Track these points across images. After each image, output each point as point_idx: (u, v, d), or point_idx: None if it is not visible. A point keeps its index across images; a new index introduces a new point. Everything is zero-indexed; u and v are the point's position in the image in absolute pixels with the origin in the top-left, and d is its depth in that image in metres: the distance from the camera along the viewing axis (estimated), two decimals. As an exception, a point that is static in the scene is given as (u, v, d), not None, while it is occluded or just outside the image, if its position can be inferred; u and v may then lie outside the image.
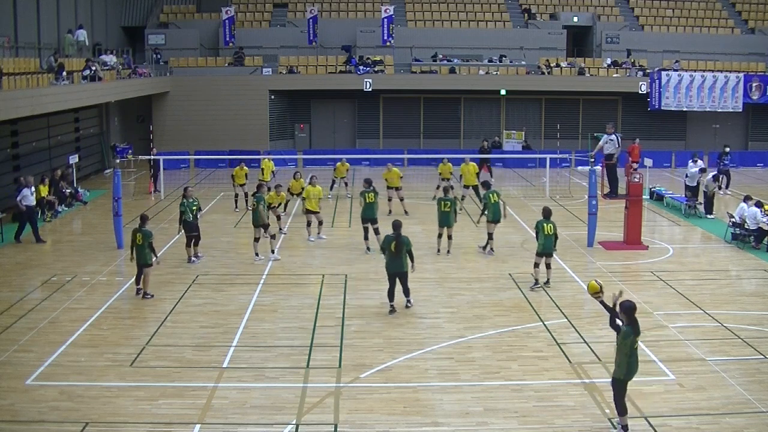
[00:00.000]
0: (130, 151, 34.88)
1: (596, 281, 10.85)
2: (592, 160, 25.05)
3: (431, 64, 39.50)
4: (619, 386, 10.11)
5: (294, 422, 10.51)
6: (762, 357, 12.73)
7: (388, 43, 39.92)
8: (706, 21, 43.32)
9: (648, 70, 39.01)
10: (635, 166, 29.11)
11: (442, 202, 19.24)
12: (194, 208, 19.02)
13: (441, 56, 39.88)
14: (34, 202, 21.57)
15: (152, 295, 15.95)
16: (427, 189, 27.30)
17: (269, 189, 21.40)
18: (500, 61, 39.79)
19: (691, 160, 26.14)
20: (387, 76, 38.51)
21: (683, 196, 25.63)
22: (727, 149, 28.77)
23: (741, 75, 37.09)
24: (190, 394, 11.35)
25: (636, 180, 20.25)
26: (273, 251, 19.26)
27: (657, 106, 37.07)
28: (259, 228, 18.97)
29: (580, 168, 34.36)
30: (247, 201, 25.43)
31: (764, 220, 19.99)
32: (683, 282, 17.17)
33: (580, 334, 13.76)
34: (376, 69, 38.45)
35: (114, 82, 30.95)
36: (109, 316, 14.88)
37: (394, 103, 39.77)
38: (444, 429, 10.39)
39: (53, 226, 23.21)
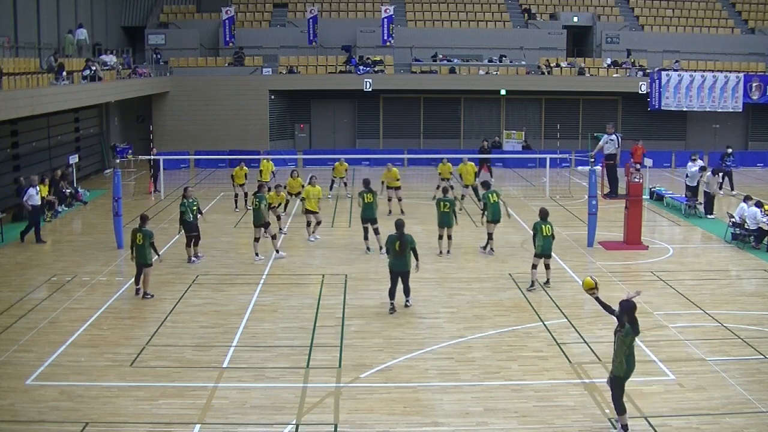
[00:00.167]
0: (130, 151, 34.88)
1: (591, 277, 10.88)
2: (592, 160, 25.05)
3: (431, 64, 39.50)
4: (619, 384, 10.13)
5: (294, 422, 10.51)
6: (762, 357, 12.73)
7: (388, 43, 39.92)
8: (706, 21, 43.33)
9: (648, 70, 39.02)
10: (638, 166, 29.13)
11: (442, 203, 19.24)
12: (194, 208, 19.02)
13: (441, 56, 39.88)
14: (40, 202, 21.60)
15: (152, 295, 15.96)
16: (427, 189, 27.30)
17: (269, 189, 21.40)
18: (500, 61, 39.80)
19: (690, 160, 26.14)
20: (387, 76, 38.51)
21: (683, 196, 25.63)
22: (730, 150, 28.73)
23: (741, 75, 37.08)
24: (190, 394, 11.35)
25: (636, 180, 20.24)
26: (277, 250, 19.27)
27: (657, 106, 37.07)
28: (259, 228, 18.97)
29: (580, 168, 34.36)
30: (246, 201, 25.45)
31: (764, 220, 19.99)
32: (683, 282, 17.17)
33: (580, 334, 13.76)
34: (376, 69, 38.46)
35: (114, 82, 30.96)
36: (109, 316, 14.89)
37: (394, 103, 39.77)
38: (444, 429, 10.39)
39: (53, 226, 23.21)
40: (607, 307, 10.70)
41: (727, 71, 38.47)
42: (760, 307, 15.53)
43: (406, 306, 15.20)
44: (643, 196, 21.35)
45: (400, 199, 24.23)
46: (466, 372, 12.21)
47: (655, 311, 15.02)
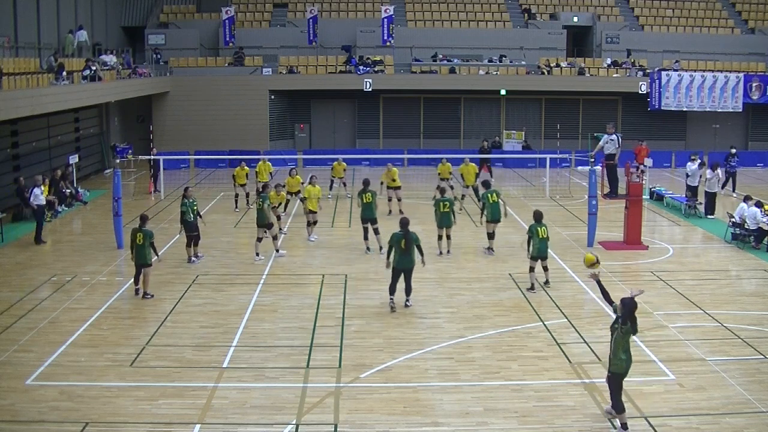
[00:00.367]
0: (130, 151, 34.88)
1: (592, 253, 10.88)
2: (592, 160, 25.05)
3: (431, 64, 39.50)
4: (618, 381, 10.16)
5: (294, 422, 10.51)
6: (762, 357, 12.74)
7: (388, 43, 39.92)
8: (706, 21, 43.32)
9: (648, 70, 39.01)
10: (642, 167, 29.11)
11: (441, 203, 19.22)
12: (195, 207, 19.04)
13: (441, 56, 39.87)
14: (45, 202, 21.60)
15: (152, 295, 15.96)
16: (427, 189, 27.29)
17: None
18: (500, 61, 39.79)
19: (689, 160, 26.11)
20: (387, 76, 38.51)
21: (683, 196, 25.63)
22: (734, 150, 28.69)
23: (741, 75, 37.07)
24: (190, 394, 11.35)
25: (637, 180, 20.24)
26: (277, 250, 19.28)
27: (657, 106, 37.07)
28: (262, 228, 18.99)
29: (580, 168, 34.37)
30: (248, 200, 25.46)
31: (764, 220, 19.99)
32: (683, 282, 17.17)
33: (580, 334, 13.76)
34: (376, 69, 38.46)
35: (114, 82, 30.96)
36: (109, 316, 14.89)
37: (394, 103, 39.77)
38: (444, 429, 10.39)
39: (53, 226, 23.20)
40: (606, 295, 10.78)
41: (727, 71, 38.46)
42: (760, 307, 15.54)
43: (406, 306, 15.20)
44: (643, 196, 21.35)
45: (399, 200, 24.23)
46: (466, 372, 12.21)
47: (655, 311, 15.02)
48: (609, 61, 40.16)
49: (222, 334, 13.88)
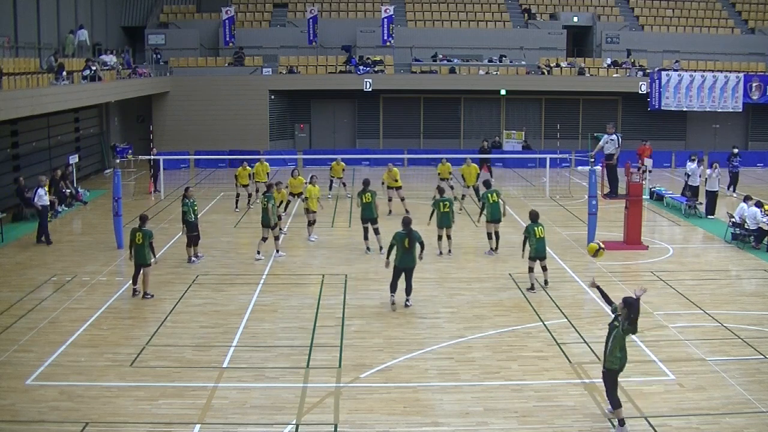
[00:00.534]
0: (130, 151, 34.89)
1: (595, 242, 10.97)
2: (592, 160, 25.05)
3: (431, 64, 39.50)
4: (614, 377, 10.22)
5: (294, 422, 10.51)
6: (762, 357, 12.73)
7: (388, 43, 39.91)
8: (706, 21, 43.32)
9: (648, 70, 39.01)
10: (647, 168, 29.12)
11: (441, 203, 19.20)
12: (195, 207, 19.05)
13: (441, 56, 39.87)
14: (48, 202, 21.59)
15: (152, 295, 15.96)
16: (427, 189, 27.27)
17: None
18: (500, 61, 39.79)
19: (689, 160, 26.11)
20: (387, 76, 38.51)
21: (683, 196, 25.64)
22: (736, 150, 28.68)
23: (741, 75, 37.07)
24: (190, 394, 11.35)
25: (636, 180, 20.24)
26: (277, 250, 19.30)
27: (657, 106, 37.07)
28: (267, 228, 19.01)
29: (580, 168, 34.37)
30: (249, 201, 25.46)
31: (764, 220, 19.99)
32: (683, 282, 17.17)
33: (580, 334, 13.76)
34: (376, 69, 38.45)
35: (114, 82, 30.96)
36: (109, 316, 14.89)
37: (394, 103, 39.77)
38: (444, 429, 10.40)
39: (53, 226, 23.14)
40: (606, 297, 10.86)
41: (727, 71, 38.46)
42: (760, 307, 15.54)
43: (406, 306, 15.21)
44: (643, 196, 21.34)
45: (402, 199, 24.22)
46: (466, 372, 12.21)
47: (655, 311, 15.02)
48: (609, 61, 40.16)
49: (222, 334, 13.88)
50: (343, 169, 27.25)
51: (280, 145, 38.49)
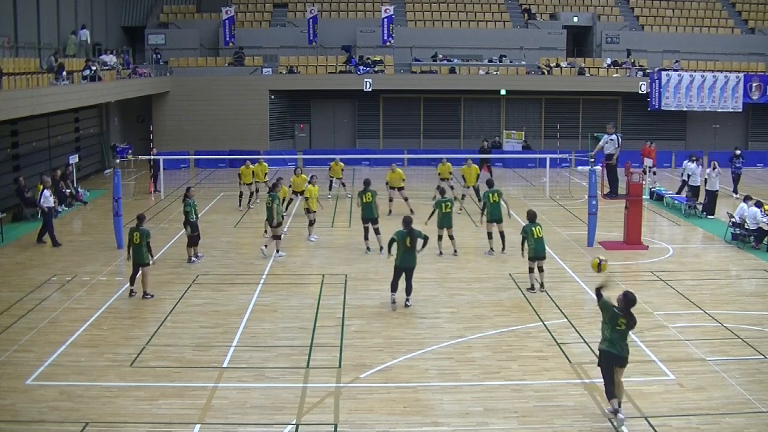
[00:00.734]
0: (130, 151, 34.89)
1: (597, 257, 11.17)
2: (592, 160, 25.05)
3: (431, 64, 39.50)
4: (615, 366, 10.34)
5: (294, 422, 10.51)
6: (762, 357, 12.73)
7: (388, 43, 39.91)
8: (706, 21, 43.33)
9: (648, 70, 39.01)
10: (647, 168, 29.07)
11: (443, 204, 19.19)
12: (196, 207, 19.08)
13: (441, 56, 39.87)
14: (53, 203, 21.56)
15: (152, 295, 15.96)
16: (427, 189, 27.28)
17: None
18: (500, 61, 39.79)
19: (688, 161, 26.05)
20: (387, 76, 38.51)
21: (683, 196, 25.63)
22: (739, 152, 28.65)
23: (741, 75, 37.06)
24: (190, 394, 11.35)
25: (637, 180, 20.24)
26: (277, 250, 19.32)
27: (657, 106, 37.06)
28: (276, 227, 19.04)
29: (580, 168, 34.36)
30: (250, 201, 25.47)
31: (764, 220, 19.99)
32: (683, 282, 17.17)
33: (580, 334, 13.76)
34: (376, 69, 38.46)
35: (114, 82, 30.96)
36: (109, 316, 14.89)
37: (394, 103, 39.77)
38: (444, 429, 10.39)
39: (53, 226, 23.17)
40: (598, 294, 10.99)
41: (727, 71, 38.46)
42: (760, 307, 15.54)
43: (406, 306, 15.21)
44: (643, 196, 21.34)
45: (406, 199, 24.23)
46: (466, 372, 12.21)
47: (655, 311, 15.02)
48: (609, 61, 40.16)
49: (222, 334, 13.88)
50: (342, 169, 27.25)
51: (280, 145, 38.48)
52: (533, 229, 16.18)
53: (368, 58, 39.02)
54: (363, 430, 10.35)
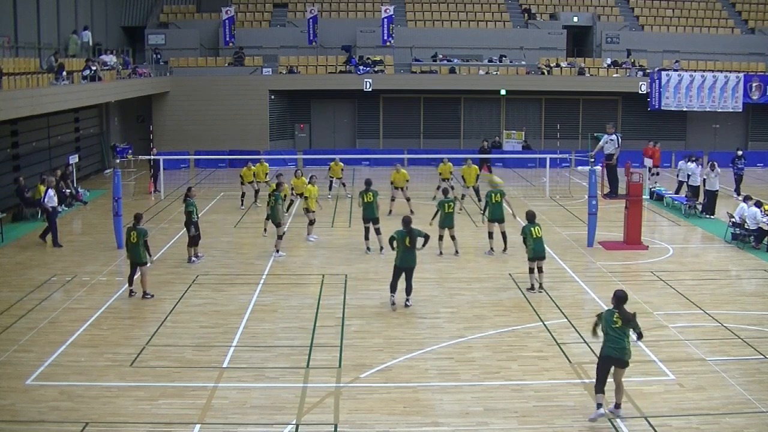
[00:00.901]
0: (130, 151, 34.89)
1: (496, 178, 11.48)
2: (592, 160, 25.05)
3: (431, 64, 39.50)
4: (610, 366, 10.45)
5: (294, 422, 10.51)
6: (762, 357, 12.73)
7: (388, 43, 39.91)
8: (706, 21, 43.33)
9: (648, 70, 39.01)
10: (656, 170, 29.04)
11: (446, 204, 19.16)
12: (197, 207, 19.11)
13: (441, 56, 39.87)
14: (57, 203, 21.55)
15: (152, 295, 15.95)
16: (427, 189, 27.30)
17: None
18: (500, 61, 39.79)
19: (688, 161, 26.01)
20: (387, 76, 38.51)
21: (683, 196, 25.63)
22: (740, 152, 28.62)
23: (741, 75, 37.05)
24: (190, 394, 11.35)
25: (638, 181, 20.25)
26: (277, 250, 19.33)
27: (657, 106, 37.06)
28: (278, 227, 19.04)
29: (580, 168, 34.36)
30: (256, 198, 25.48)
31: (764, 220, 19.99)
32: (683, 282, 17.17)
33: (580, 334, 13.75)
34: (376, 69, 38.45)
35: (114, 82, 30.95)
36: (109, 316, 14.89)
37: (394, 103, 39.76)
38: (444, 429, 10.39)
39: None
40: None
41: (727, 71, 38.45)
42: (760, 307, 15.54)
43: (406, 306, 15.21)
44: (643, 196, 21.34)
45: (408, 199, 24.24)
46: (466, 372, 12.21)
47: (655, 311, 15.02)
48: (609, 61, 40.16)
49: (222, 334, 13.88)
50: (342, 169, 27.26)
51: (280, 145, 38.48)
52: (532, 229, 16.17)
53: (368, 58, 39.02)
54: (363, 430, 10.35)
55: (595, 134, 30.45)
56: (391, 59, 39.44)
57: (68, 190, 25.94)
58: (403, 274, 15.12)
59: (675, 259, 19.40)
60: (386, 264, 16.63)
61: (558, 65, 39.60)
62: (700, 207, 24.40)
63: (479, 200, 24.88)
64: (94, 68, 28.42)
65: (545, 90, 39.20)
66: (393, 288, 15.20)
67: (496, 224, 19.45)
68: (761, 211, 20.18)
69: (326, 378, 11.95)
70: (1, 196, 24.38)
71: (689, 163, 25.79)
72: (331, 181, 27.29)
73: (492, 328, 14.17)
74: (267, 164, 26.38)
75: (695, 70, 38.45)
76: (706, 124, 39.42)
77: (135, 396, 11.29)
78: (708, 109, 37.26)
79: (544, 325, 14.33)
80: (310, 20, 40.05)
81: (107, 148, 34.89)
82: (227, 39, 39.80)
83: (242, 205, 25.49)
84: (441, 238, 19.42)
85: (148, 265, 16.15)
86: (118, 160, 33.11)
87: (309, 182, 21.39)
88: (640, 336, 10.70)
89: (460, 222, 21.99)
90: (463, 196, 25.41)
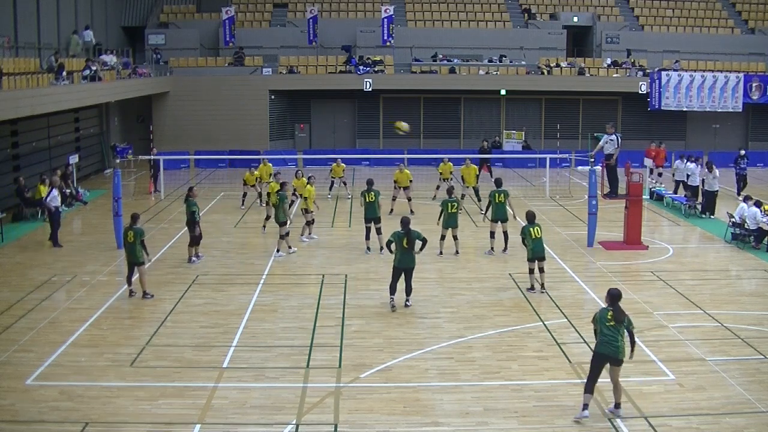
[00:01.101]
0: (130, 151, 34.90)
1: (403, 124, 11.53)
2: (592, 160, 25.05)
3: (431, 64, 39.50)
4: (603, 364, 10.47)
5: (294, 422, 10.51)
6: (762, 357, 12.74)
7: (388, 43, 39.91)
8: (706, 21, 43.33)
9: (648, 70, 39.01)
10: (660, 170, 29.02)
11: (449, 204, 19.15)
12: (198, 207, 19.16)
13: (441, 56, 39.87)
14: (60, 203, 21.56)
15: (152, 295, 15.95)
16: (427, 189, 27.30)
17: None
18: (500, 61, 39.79)
19: (687, 161, 26.00)
20: (387, 76, 38.51)
21: (683, 196, 25.63)
22: (743, 152, 28.61)
23: (741, 75, 37.05)
24: (190, 394, 11.35)
25: (636, 180, 20.25)
26: (278, 249, 19.34)
27: (657, 106, 37.06)
28: (282, 226, 19.06)
29: (580, 168, 34.36)
30: (261, 199, 25.50)
31: (764, 220, 19.99)
32: (683, 282, 17.17)
33: (580, 334, 13.76)
34: (376, 69, 38.45)
35: (114, 82, 30.95)
36: (109, 316, 14.89)
37: (394, 103, 39.75)
38: (444, 429, 10.39)
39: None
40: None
41: (727, 71, 38.46)
42: (760, 307, 15.54)
43: (406, 306, 15.20)
44: (643, 196, 21.34)
45: (409, 199, 24.26)
46: (466, 372, 12.21)
47: (655, 311, 15.02)
48: (609, 61, 40.17)
49: (222, 334, 13.88)
50: (344, 170, 27.28)
51: (280, 145, 38.48)
52: (531, 229, 16.16)
53: (368, 58, 39.02)
54: (363, 430, 10.35)
55: (595, 134, 30.47)
56: (391, 59, 39.44)
57: (68, 190, 25.94)
58: (403, 275, 15.11)
59: (675, 259, 19.40)
60: (386, 264, 16.63)
61: (558, 65, 39.60)
62: (699, 207, 24.40)
63: (479, 200, 24.89)
64: (94, 68, 28.41)
65: (545, 90, 39.20)
66: (392, 290, 15.17)
67: (499, 224, 19.44)
68: (761, 211, 20.18)
69: (326, 378, 11.95)
70: (1, 196, 24.39)
71: (689, 164, 25.79)
72: (333, 182, 27.28)
73: (492, 328, 14.17)
74: (271, 165, 26.40)
75: (695, 70, 38.46)
76: (706, 124, 39.41)
77: (135, 396, 11.29)
78: (708, 109, 37.26)
79: (544, 325, 14.33)
80: (310, 20, 40.06)
81: (107, 148, 34.90)
82: (227, 39, 39.81)
83: (242, 205, 25.53)
84: (443, 237, 19.41)
85: (146, 264, 16.15)
86: (118, 160, 33.09)
87: (308, 183, 21.39)
88: (632, 338, 10.57)
89: (461, 222, 21.95)
90: (463, 196, 25.41)
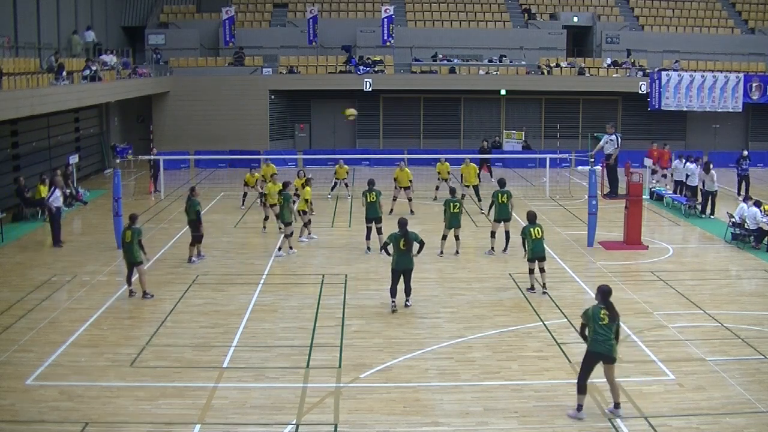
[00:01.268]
0: (130, 151, 34.90)
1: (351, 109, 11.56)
2: (592, 160, 25.05)
3: (431, 64, 39.50)
4: (595, 362, 10.49)
5: (294, 422, 10.51)
6: (762, 357, 12.73)
7: (388, 43, 39.92)
8: (706, 21, 43.33)
9: (648, 70, 39.01)
10: (665, 172, 28.99)
11: (452, 204, 19.10)
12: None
13: (441, 56, 39.87)
14: (62, 203, 21.55)
15: (152, 295, 15.95)
16: (427, 189, 27.31)
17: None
18: (500, 61, 39.79)
19: (687, 162, 25.96)
20: (387, 76, 38.51)
21: (683, 195, 25.63)
22: (746, 153, 28.59)
23: (741, 75, 37.04)
24: (190, 394, 11.35)
25: (636, 180, 20.25)
26: (279, 248, 19.35)
27: (657, 106, 37.06)
28: (286, 226, 19.06)
29: (580, 168, 34.36)
30: (261, 200, 25.51)
31: (764, 220, 19.99)
32: (683, 282, 17.17)
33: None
34: (376, 69, 38.46)
35: (114, 82, 30.95)
36: (109, 316, 14.89)
37: (394, 103, 39.76)
38: (444, 429, 10.39)
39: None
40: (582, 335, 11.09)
41: (727, 71, 38.45)
42: (760, 307, 15.54)
43: (406, 306, 15.20)
44: (643, 196, 21.34)
45: (410, 199, 24.26)
46: (466, 372, 12.21)
47: (655, 311, 15.02)
48: (609, 61, 40.17)
49: (222, 334, 13.88)
50: (347, 171, 27.31)
51: (280, 145, 38.48)
52: (532, 230, 16.15)
53: (368, 58, 39.03)
54: (363, 430, 10.35)
55: (595, 134, 30.46)
56: (391, 59, 39.45)
57: (68, 190, 25.93)
58: (402, 277, 15.08)
59: (675, 259, 19.40)
60: (386, 264, 16.62)
61: (558, 65, 39.61)
62: (699, 207, 24.40)
63: (479, 200, 24.89)
64: (94, 68, 28.42)
65: (545, 90, 39.20)
66: (393, 292, 15.12)
67: (502, 223, 19.43)
68: (761, 211, 20.19)
69: (326, 378, 11.95)
70: (1, 196, 24.39)
71: (689, 164, 25.76)
72: (336, 183, 27.28)
73: (492, 328, 14.17)
74: (273, 165, 26.38)
75: (695, 70, 38.45)
76: (706, 124, 39.40)
77: (135, 396, 11.29)
78: (708, 109, 37.25)
79: (544, 325, 14.33)
80: (310, 20, 40.06)
81: (107, 148, 34.90)
82: (227, 39, 39.81)
83: (243, 205, 25.54)
84: (444, 237, 19.40)
85: (144, 264, 16.15)
86: (118, 160, 33.10)
87: (306, 184, 21.38)
88: (617, 334, 10.57)
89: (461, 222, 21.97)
90: (463, 195, 25.37)
